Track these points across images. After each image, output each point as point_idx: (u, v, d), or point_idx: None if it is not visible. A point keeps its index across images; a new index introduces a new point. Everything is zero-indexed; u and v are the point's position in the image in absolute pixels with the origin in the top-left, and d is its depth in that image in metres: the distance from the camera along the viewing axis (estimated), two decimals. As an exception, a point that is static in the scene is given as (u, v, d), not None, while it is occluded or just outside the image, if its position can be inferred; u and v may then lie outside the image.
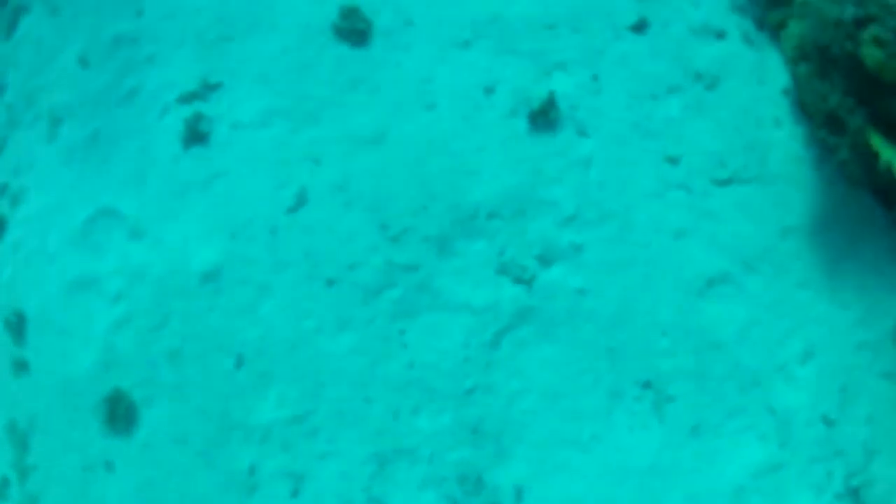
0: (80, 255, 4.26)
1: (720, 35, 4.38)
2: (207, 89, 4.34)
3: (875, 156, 3.92)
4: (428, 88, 4.08)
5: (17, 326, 4.31)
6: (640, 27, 4.29)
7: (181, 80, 4.43)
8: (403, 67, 4.16)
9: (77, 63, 4.87)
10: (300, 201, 3.92)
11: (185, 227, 4.04)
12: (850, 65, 3.97)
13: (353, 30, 4.25)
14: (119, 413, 3.94)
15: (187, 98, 4.34)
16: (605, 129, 3.99)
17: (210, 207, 4.04)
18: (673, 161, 3.97)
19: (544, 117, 3.94)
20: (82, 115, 4.65)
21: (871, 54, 3.91)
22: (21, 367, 4.27)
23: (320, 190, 3.91)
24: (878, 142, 3.96)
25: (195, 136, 4.19)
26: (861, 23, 4.06)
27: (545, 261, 3.78)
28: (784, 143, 4.16)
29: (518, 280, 3.76)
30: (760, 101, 4.23)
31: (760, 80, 4.30)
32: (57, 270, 4.30)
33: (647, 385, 3.73)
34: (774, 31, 4.56)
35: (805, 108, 4.23)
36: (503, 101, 4.03)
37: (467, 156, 3.90)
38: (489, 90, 4.06)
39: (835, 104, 3.91)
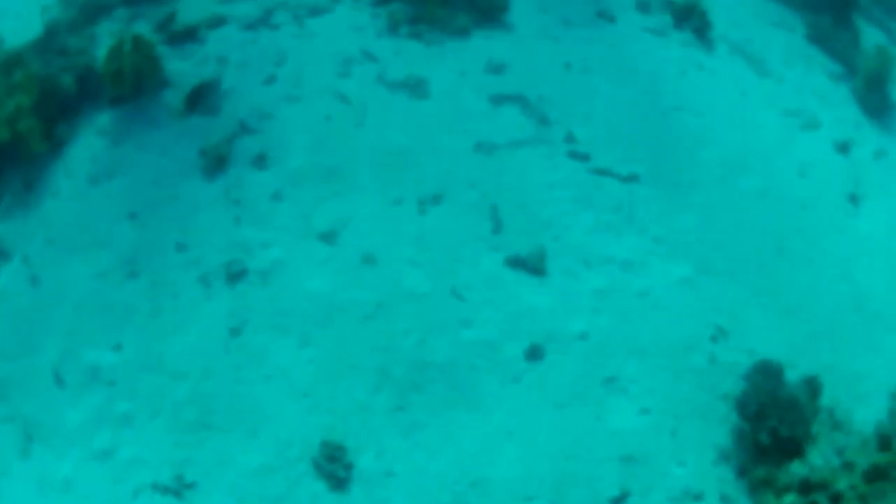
0: None
1: (697, 497, 4.39)
2: (183, 486, 4.31)
3: None
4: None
5: None
6: (619, 501, 4.28)
7: (154, 460, 4.37)
8: (380, 531, 4.19)
9: (53, 378, 4.73)
10: None
11: None
12: None
13: (333, 475, 4.18)
14: None
15: (161, 490, 4.32)
16: None
17: None
18: None
19: None
20: (55, 447, 4.58)
21: None
22: None
23: None
24: None
25: (167, 547, 4.25)
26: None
27: None
28: None
29: None
30: None
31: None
32: None
33: None
34: (755, 486, 4.55)
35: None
36: None
37: None
38: None
39: None
